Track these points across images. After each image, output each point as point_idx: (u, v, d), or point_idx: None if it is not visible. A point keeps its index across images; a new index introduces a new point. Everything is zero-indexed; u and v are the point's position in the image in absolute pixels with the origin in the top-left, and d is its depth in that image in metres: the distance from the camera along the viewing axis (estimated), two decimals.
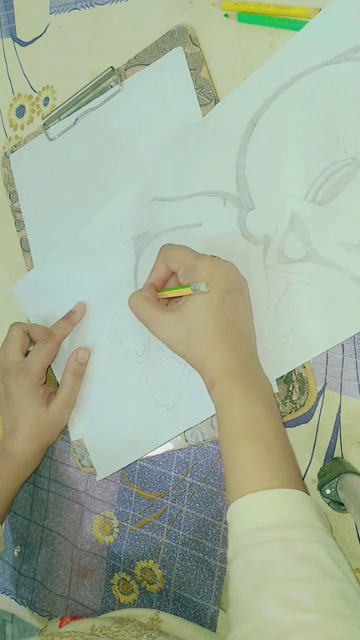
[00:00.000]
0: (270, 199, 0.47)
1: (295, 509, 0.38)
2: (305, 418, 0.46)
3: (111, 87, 0.56)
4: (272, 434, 0.41)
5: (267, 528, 0.37)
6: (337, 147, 0.44)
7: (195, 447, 0.53)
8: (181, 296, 0.46)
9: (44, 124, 0.61)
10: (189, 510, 0.53)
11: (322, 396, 0.46)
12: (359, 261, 0.43)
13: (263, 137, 0.47)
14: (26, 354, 0.59)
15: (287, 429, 0.47)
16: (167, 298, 0.48)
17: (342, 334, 0.44)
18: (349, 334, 0.44)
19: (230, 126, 0.49)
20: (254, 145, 0.47)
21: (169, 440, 0.53)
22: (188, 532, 0.53)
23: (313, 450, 0.46)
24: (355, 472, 0.42)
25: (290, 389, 0.46)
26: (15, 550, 0.68)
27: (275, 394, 0.46)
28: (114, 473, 0.57)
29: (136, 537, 0.57)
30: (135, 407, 0.55)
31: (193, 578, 0.53)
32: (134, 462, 0.56)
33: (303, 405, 0.46)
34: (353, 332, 0.43)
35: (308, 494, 0.40)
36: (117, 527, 0.58)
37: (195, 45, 0.51)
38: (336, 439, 0.45)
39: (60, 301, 0.60)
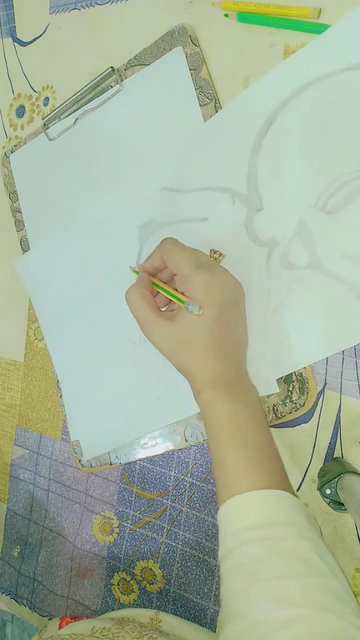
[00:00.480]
0: (279, 202, 0.46)
1: (281, 508, 0.39)
2: (305, 418, 0.46)
3: (111, 87, 0.56)
4: (256, 438, 0.42)
5: (254, 528, 0.38)
6: (352, 157, 0.43)
7: (195, 447, 0.53)
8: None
9: (44, 124, 0.61)
10: (189, 510, 0.53)
11: (322, 396, 0.46)
12: None
13: (278, 137, 0.46)
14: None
15: (287, 429, 0.47)
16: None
17: (336, 347, 0.44)
18: (343, 347, 0.44)
19: (246, 121, 0.47)
20: (268, 145, 0.47)
21: (158, 429, 0.53)
22: (188, 532, 0.53)
23: (313, 450, 0.46)
24: (355, 472, 0.42)
25: (290, 389, 0.46)
26: (15, 550, 0.68)
27: (275, 394, 0.46)
28: (98, 455, 0.59)
29: (136, 537, 0.57)
30: (127, 394, 0.55)
31: (193, 578, 0.53)
32: (133, 461, 0.56)
33: (303, 405, 0.46)
34: (347, 345, 0.44)
35: (295, 495, 0.40)
36: (117, 527, 0.58)
37: (195, 45, 0.51)
38: (336, 439, 0.45)
39: (61, 280, 0.61)
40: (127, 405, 0.56)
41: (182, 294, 0.44)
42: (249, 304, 0.47)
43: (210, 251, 0.47)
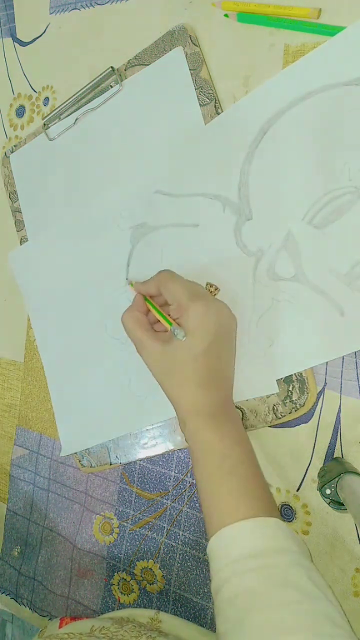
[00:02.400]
0: (269, 212, 0.46)
1: (271, 536, 0.39)
2: (305, 418, 0.46)
3: (111, 87, 0.56)
4: (244, 466, 0.42)
5: (246, 557, 0.38)
6: (342, 173, 0.43)
7: None
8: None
9: (44, 124, 0.61)
10: (189, 510, 0.53)
11: (322, 396, 0.45)
12: (345, 290, 0.43)
13: (271, 148, 0.46)
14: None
15: (287, 429, 0.47)
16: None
17: (315, 360, 0.45)
18: (321, 360, 0.44)
19: (241, 130, 0.48)
20: (261, 154, 0.47)
21: (153, 429, 0.53)
22: (188, 532, 0.53)
23: (313, 450, 0.46)
24: (355, 472, 0.42)
25: (290, 389, 0.46)
26: (15, 550, 0.68)
27: (275, 394, 0.46)
28: (76, 452, 0.60)
29: (136, 537, 0.57)
30: (110, 393, 0.56)
31: (193, 578, 0.53)
32: (133, 461, 0.56)
33: (303, 405, 0.46)
34: (326, 359, 0.44)
35: (283, 520, 0.41)
36: (117, 527, 0.58)
37: (195, 45, 0.51)
38: (336, 439, 0.45)
39: (52, 277, 0.61)
40: (110, 404, 0.57)
41: (178, 323, 0.44)
42: (235, 311, 0.47)
43: (207, 284, 0.48)
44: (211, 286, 0.47)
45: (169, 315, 0.45)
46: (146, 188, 0.54)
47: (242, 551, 0.38)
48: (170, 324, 0.44)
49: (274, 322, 0.46)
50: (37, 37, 0.65)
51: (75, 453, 0.60)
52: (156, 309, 0.47)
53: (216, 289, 0.47)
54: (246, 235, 0.48)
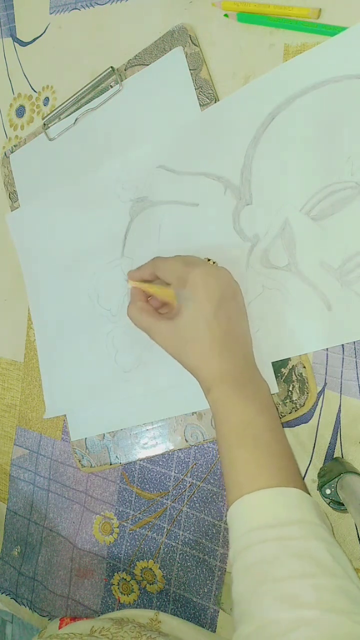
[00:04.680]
0: (268, 199, 0.47)
1: (293, 506, 0.38)
2: (305, 418, 0.46)
3: (111, 87, 0.56)
4: (268, 435, 0.41)
5: (265, 527, 0.37)
6: (344, 167, 0.43)
7: (195, 447, 0.53)
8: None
9: (44, 124, 0.61)
10: (189, 510, 0.53)
11: (322, 396, 0.46)
12: (334, 285, 0.43)
13: (277, 134, 0.46)
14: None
15: (287, 429, 0.47)
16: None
17: (298, 350, 0.45)
18: (304, 351, 0.45)
19: (250, 112, 0.47)
20: (266, 140, 0.47)
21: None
22: (188, 532, 0.53)
23: (313, 450, 0.46)
24: (355, 472, 0.42)
25: (290, 389, 0.46)
26: (15, 550, 0.68)
27: (275, 394, 0.46)
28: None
29: (136, 537, 0.57)
30: (96, 363, 0.57)
31: (193, 578, 0.53)
32: (133, 461, 0.56)
33: (303, 405, 0.46)
34: (308, 350, 0.45)
35: (308, 493, 0.40)
36: (117, 527, 0.58)
37: (195, 45, 0.51)
38: (336, 439, 0.45)
39: (49, 242, 0.61)
40: (94, 372, 0.57)
41: (181, 294, 0.44)
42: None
43: (205, 259, 0.48)
44: (209, 260, 0.47)
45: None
46: (150, 161, 0.53)
47: (261, 520, 0.38)
48: (171, 295, 0.44)
49: (262, 309, 0.46)
50: (37, 37, 0.65)
51: (76, 453, 0.60)
52: (153, 287, 0.47)
53: (214, 262, 0.47)
54: (244, 219, 0.48)
